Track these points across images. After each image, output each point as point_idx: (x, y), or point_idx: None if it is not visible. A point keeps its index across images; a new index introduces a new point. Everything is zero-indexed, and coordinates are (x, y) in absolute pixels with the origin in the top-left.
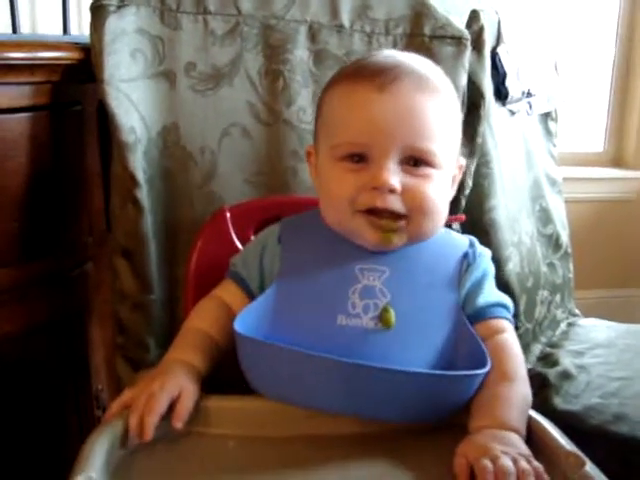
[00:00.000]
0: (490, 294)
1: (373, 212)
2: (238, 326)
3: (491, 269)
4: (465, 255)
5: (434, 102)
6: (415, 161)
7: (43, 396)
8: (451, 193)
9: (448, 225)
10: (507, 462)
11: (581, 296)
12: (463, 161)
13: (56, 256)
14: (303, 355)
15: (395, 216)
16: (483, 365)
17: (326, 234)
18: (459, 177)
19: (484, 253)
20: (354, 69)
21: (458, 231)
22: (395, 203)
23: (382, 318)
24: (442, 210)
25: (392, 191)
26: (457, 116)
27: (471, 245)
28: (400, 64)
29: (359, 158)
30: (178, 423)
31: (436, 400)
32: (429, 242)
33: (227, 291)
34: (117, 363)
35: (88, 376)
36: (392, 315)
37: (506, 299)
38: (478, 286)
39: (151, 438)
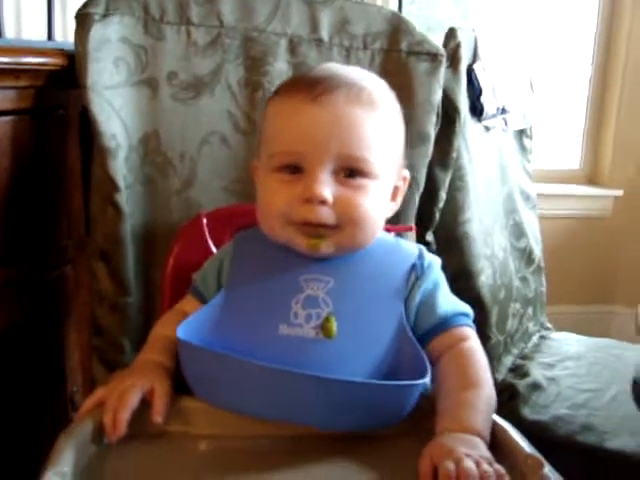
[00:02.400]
0: (446, 304)
1: (306, 224)
2: (181, 332)
3: (442, 278)
4: (413, 267)
5: (368, 113)
6: (350, 172)
7: (18, 397)
8: (393, 206)
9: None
10: (469, 464)
11: (554, 311)
12: (407, 173)
13: (35, 259)
14: (231, 360)
15: (325, 226)
16: (424, 375)
17: (275, 245)
18: (404, 189)
19: (433, 263)
20: (291, 82)
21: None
22: (327, 215)
23: (323, 328)
24: (376, 221)
25: (323, 202)
26: (396, 128)
27: (420, 256)
28: (335, 76)
29: (294, 169)
30: (158, 417)
31: (374, 409)
32: (376, 251)
33: (188, 305)
34: (93, 365)
35: (63, 378)
36: (334, 325)
37: (464, 306)
38: (431, 298)
39: (123, 434)
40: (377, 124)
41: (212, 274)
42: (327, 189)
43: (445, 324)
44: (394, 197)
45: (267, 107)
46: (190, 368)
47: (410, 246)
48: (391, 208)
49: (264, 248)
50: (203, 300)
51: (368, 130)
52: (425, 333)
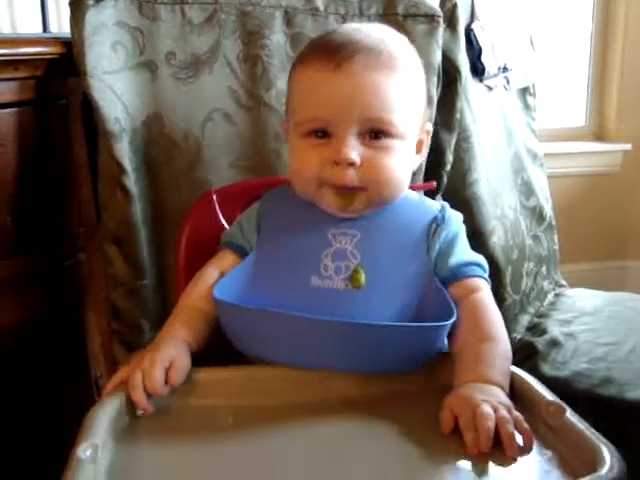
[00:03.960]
0: (462, 254)
1: (336, 186)
2: (217, 292)
3: (462, 230)
4: (434, 219)
5: (388, 75)
6: (375, 133)
7: (43, 385)
8: (419, 158)
9: (431, 194)
10: (486, 409)
11: (567, 269)
12: (430, 126)
13: (48, 248)
14: (275, 314)
15: (353, 189)
16: (450, 317)
17: (302, 203)
18: (427, 141)
19: (453, 216)
20: (311, 49)
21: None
22: (355, 177)
23: (352, 279)
24: (402, 179)
25: (351, 164)
26: (418, 85)
27: (441, 209)
28: (354, 41)
29: (322, 134)
30: (171, 388)
31: (403, 352)
32: (400, 207)
33: (224, 261)
34: (114, 348)
35: (86, 364)
36: (362, 276)
37: (480, 258)
38: (449, 247)
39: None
40: (398, 85)
41: (250, 226)
42: (354, 152)
43: (458, 274)
44: (419, 150)
45: (291, 75)
46: (228, 324)
47: (433, 202)
48: (416, 160)
49: (291, 206)
50: (243, 252)
51: (389, 92)
52: (440, 282)
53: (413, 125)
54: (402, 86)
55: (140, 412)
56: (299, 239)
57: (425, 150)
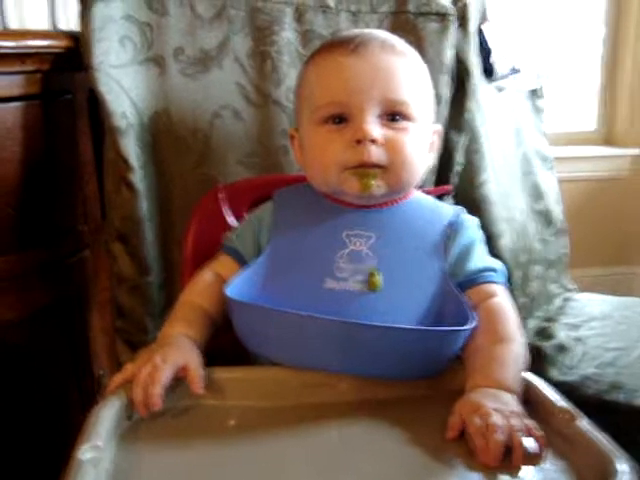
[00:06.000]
0: (479, 260)
1: (361, 166)
2: (229, 291)
3: (479, 236)
4: (450, 224)
5: (402, 61)
6: (392, 116)
7: (46, 382)
8: (430, 158)
9: (439, 197)
10: (497, 419)
11: (576, 274)
12: (439, 127)
13: (53, 244)
14: (288, 315)
15: (378, 166)
16: (467, 322)
17: (315, 203)
18: (437, 143)
19: (470, 221)
20: (326, 43)
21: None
22: (380, 155)
23: (369, 282)
24: (419, 163)
25: (374, 141)
26: (426, 77)
27: (457, 214)
28: (367, 33)
29: (339, 119)
30: (198, 389)
31: (421, 356)
32: (415, 209)
33: (222, 265)
34: (118, 347)
35: (89, 362)
36: (378, 279)
37: (497, 263)
38: (466, 253)
39: (159, 408)
40: (411, 70)
41: (250, 232)
42: (376, 129)
43: (474, 280)
44: (430, 149)
45: (305, 68)
46: (243, 327)
47: (448, 206)
48: (429, 157)
49: (305, 206)
50: (240, 258)
51: (405, 75)
52: (457, 288)
53: (426, 112)
54: (415, 72)
55: (137, 414)
56: (313, 239)
57: (435, 150)
